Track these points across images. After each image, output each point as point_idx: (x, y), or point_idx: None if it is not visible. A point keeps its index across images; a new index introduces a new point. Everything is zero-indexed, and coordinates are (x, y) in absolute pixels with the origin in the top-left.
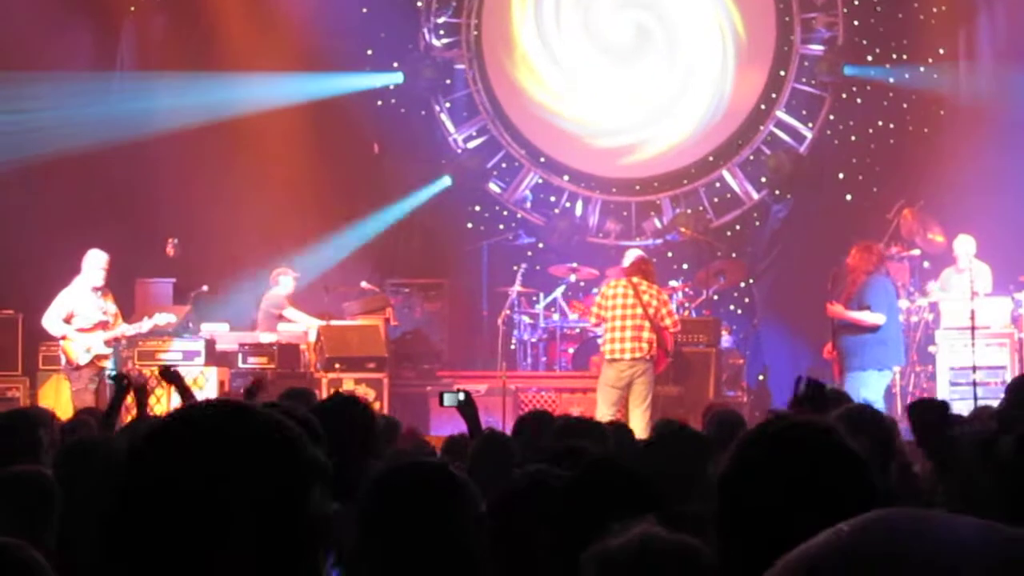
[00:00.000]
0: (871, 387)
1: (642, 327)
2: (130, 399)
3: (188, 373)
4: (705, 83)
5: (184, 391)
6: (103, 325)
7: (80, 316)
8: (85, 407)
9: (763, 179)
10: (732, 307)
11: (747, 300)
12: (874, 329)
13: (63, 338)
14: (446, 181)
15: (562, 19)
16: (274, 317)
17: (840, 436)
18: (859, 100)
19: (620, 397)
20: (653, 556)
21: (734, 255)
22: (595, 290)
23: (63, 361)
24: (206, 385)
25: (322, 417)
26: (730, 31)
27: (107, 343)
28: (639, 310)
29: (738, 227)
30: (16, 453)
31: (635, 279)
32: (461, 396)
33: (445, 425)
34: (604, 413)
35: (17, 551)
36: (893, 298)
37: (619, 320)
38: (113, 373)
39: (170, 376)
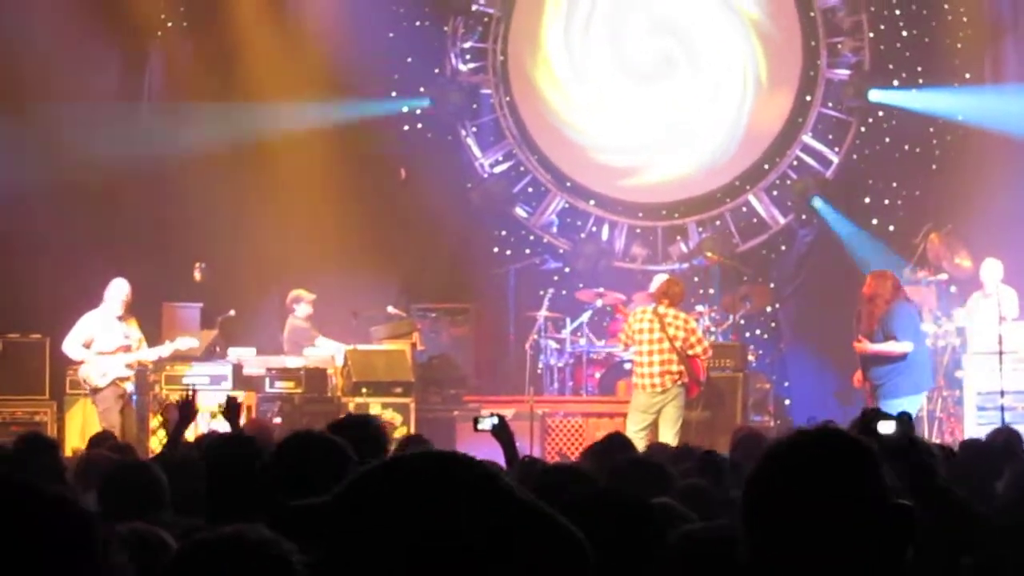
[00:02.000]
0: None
1: (670, 360)
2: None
3: (213, 398)
4: (727, 109)
5: (235, 422)
6: (125, 349)
7: (100, 341)
8: (102, 432)
9: (789, 204)
10: (758, 332)
11: (773, 325)
12: (903, 356)
13: (81, 362)
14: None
15: (589, 44)
16: (302, 347)
17: (850, 436)
18: (885, 125)
19: (651, 422)
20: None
21: (760, 280)
22: (619, 315)
23: (84, 385)
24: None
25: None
26: (752, 57)
27: (128, 366)
28: (666, 343)
29: (764, 252)
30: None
31: (661, 308)
32: (496, 420)
33: (472, 451)
34: (634, 437)
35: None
36: (917, 323)
37: (646, 354)
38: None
39: (230, 409)
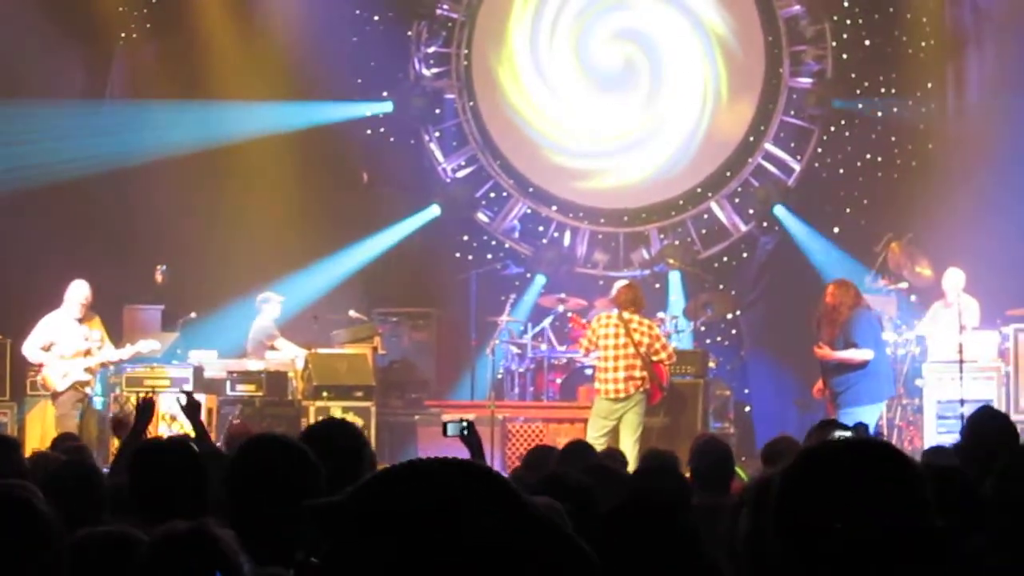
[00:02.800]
0: (865, 421)
1: (634, 366)
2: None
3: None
4: (689, 116)
5: (198, 423)
6: (85, 352)
7: (60, 343)
8: (65, 433)
9: (751, 211)
10: (719, 338)
11: (734, 332)
12: (863, 364)
13: (41, 365)
14: (435, 210)
15: (554, 50)
16: (264, 346)
17: (898, 449)
18: (847, 133)
19: (612, 428)
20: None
21: (721, 287)
22: (584, 320)
23: (42, 388)
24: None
25: (313, 443)
26: (715, 65)
27: (88, 370)
28: (630, 348)
29: (726, 259)
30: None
31: (626, 314)
32: (464, 424)
33: (434, 455)
34: (593, 442)
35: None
36: (878, 331)
37: (611, 359)
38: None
39: (190, 407)
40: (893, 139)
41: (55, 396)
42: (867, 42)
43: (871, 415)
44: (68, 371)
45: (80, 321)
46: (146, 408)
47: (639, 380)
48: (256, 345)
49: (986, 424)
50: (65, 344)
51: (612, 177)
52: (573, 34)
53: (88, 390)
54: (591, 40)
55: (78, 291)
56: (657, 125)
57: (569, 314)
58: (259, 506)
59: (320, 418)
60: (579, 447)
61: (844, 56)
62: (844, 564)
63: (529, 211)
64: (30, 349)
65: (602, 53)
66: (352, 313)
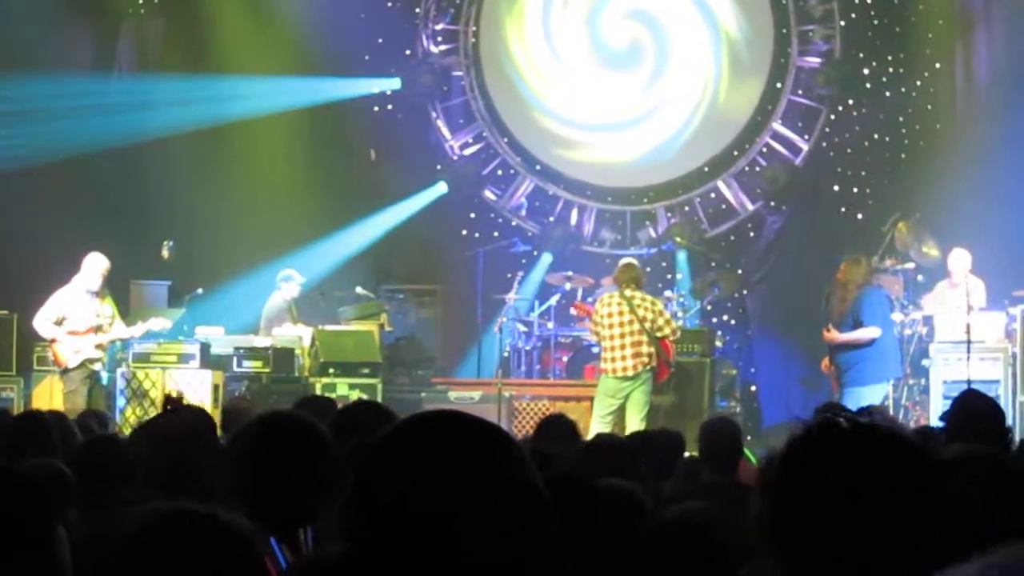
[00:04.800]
0: (870, 401)
1: (640, 342)
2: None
3: (182, 376)
4: (698, 95)
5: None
6: (97, 328)
7: (72, 319)
8: (89, 410)
9: (758, 190)
10: (726, 317)
11: (741, 311)
12: (870, 343)
13: (53, 340)
14: (442, 188)
15: (563, 28)
16: (273, 325)
17: (905, 432)
18: (855, 113)
19: (618, 408)
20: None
21: (728, 266)
22: (590, 299)
23: (53, 363)
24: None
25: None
26: (724, 44)
27: (98, 346)
28: (636, 325)
29: (733, 238)
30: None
31: (628, 292)
32: None
33: None
34: (599, 421)
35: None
36: (887, 309)
37: (617, 337)
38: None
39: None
40: (901, 119)
41: (64, 372)
42: (876, 22)
43: (876, 394)
44: (80, 347)
45: (95, 294)
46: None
47: (646, 357)
48: (267, 323)
49: (973, 406)
50: (77, 320)
51: (623, 157)
52: (584, 13)
53: (98, 366)
54: (602, 17)
55: (98, 263)
56: (661, 104)
57: (574, 300)
58: (268, 484)
59: (327, 395)
60: (556, 419)
61: (852, 35)
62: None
63: (536, 189)
64: (42, 323)
65: (611, 31)
66: (359, 290)
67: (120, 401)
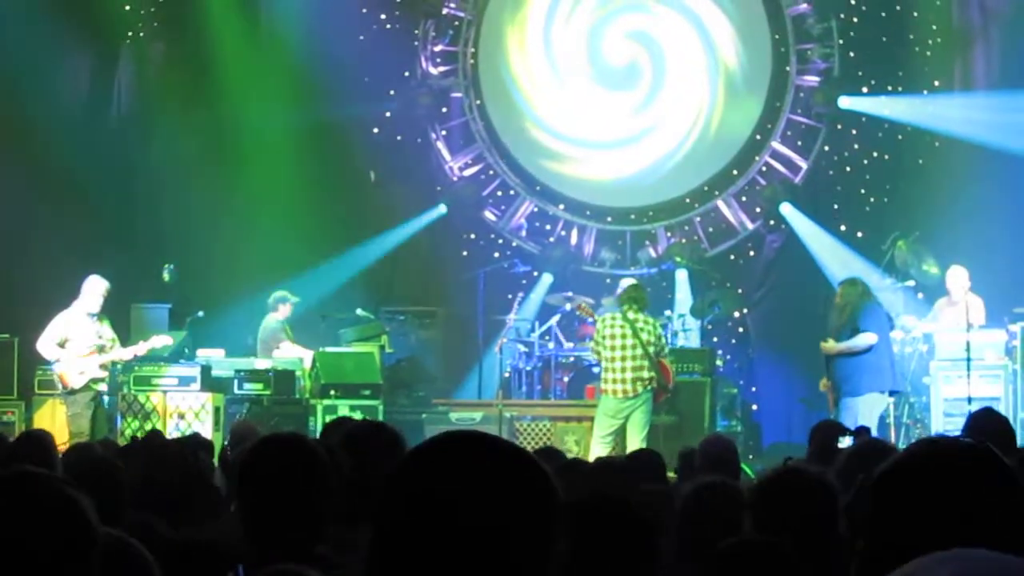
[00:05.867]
0: (866, 413)
1: (642, 366)
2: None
3: (183, 400)
4: (696, 114)
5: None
6: (99, 349)
7: (75, 341)
8: (103, 440)
9: (758, 209)
10: (727, 337)
11: (741, 330)
12: (867, 352)
13: (57, 362)
14: (441, 209)
15: (561, 49)
16: (270, 347)
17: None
18: (854, 131)
19: (619, 428)
20: None
21: (728, 285)
22: (591, 320)
23: (59, 386)
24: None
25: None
26: (723, 63)
27: (102, 366)
28: (639, 349)
29: (733, 257)
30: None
31: (631, 314)
32: None
33: None
34: (599, 442)
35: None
36: (884, 321)
37: (618, 359)
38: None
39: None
40: (900, 137)
41: (70, 394)
42: (874, 40)
43: (873, 407)
44: (84, 368)
45: (95, 319)
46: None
47: (647, 380)
48: (263, 345)
49: (987, 424)
50: (80, 341)
51: (622, 177)
52: (583, 34)
53: (102, 387)
54: (601, 39)
55: (97, 285)
56: (659, 123)
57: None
58: (269, 505)
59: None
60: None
61: (851, 54)
62: None
63: (536, 210)
64: (46, 346)
65: (611, 50)
66: (359, 311)
67: (121, 424)
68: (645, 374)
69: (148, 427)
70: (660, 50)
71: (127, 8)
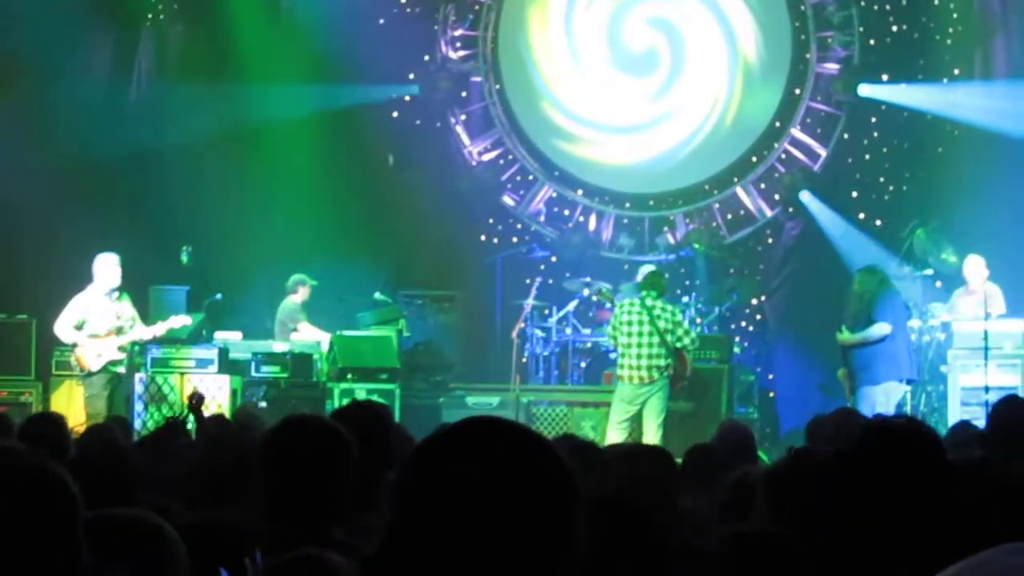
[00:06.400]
0: (883, 401)
1: (659, 354)
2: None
3: (200, 382)
4: (716, 101)
5: (199, 415)
6: (117, 330)
7: (93, 322)
8: (113, 417)
9: (776, 196)
10: (744, 323)
11: (759, 317)
12: (883, 340)
13: (75, 345)
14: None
15: (581, 34)
16: (288, 328)
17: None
18: (874, 119)
19: (635, 414)
20: None
21: (747, 272)
22: (608, 305)
23: (76, 368)
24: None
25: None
26: (742, 50)
27: (120, 348)
28: (655, 336)
29: (751, 244)
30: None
31: (648, 300)
32: None
33: None
34: (616, 428)
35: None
36: (901, 310)
37: (634, 345)
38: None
39: (193, 402)
40: (919, 125)
41: (87, 376)
42: (894, 28)
43: (891, 395)
44: (102, 351)
45: (113, 298)
46: (197, 404)
47: (663, 367)
48: (281, 325)
49: (1011, 412)
50: (98, 323)
51: (637, 156)
52: (604, 20)
53: (120, 369)
54: (622, 25)
55: (108, 261)
56: (685, 110)
57: (595, 295)
58: (292, 487)
59: (345, 401)
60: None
61: (871, 42)
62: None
63: (555, 195)
64: (63, 329)
65: (632, 36)
66: (377, 295)
67: (139, 406)
68: (662, 361)
69: (166, 410)
70: (680, 37)
71: None
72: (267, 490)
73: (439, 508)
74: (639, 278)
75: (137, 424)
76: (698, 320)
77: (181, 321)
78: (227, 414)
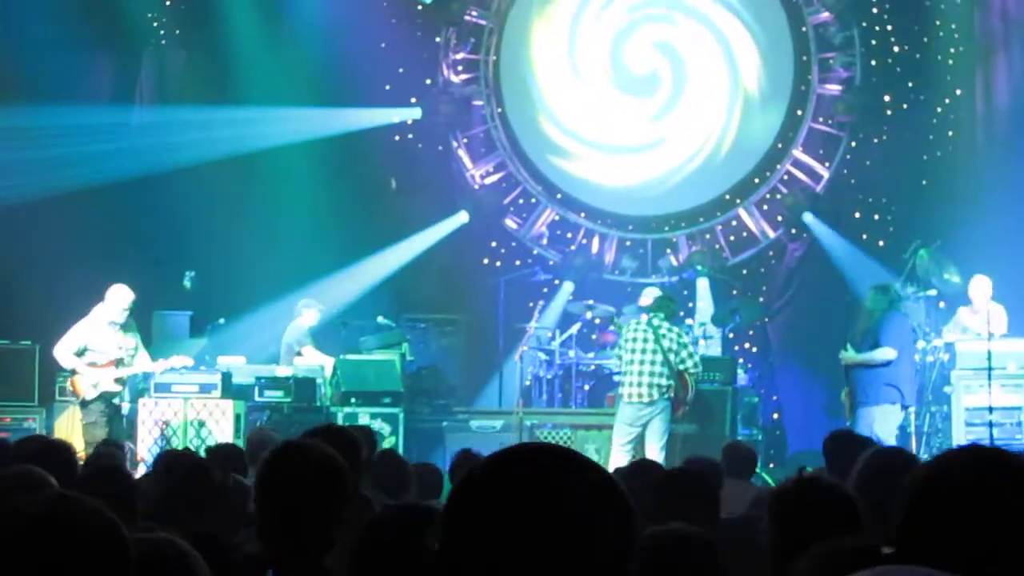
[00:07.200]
0: (882, 424)
1: (661, 374)
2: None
3: (203, 407)
4: (718, 123)
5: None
6: (118, 361)
7: (94, 351)
8: (109, 440)
9: (779, 218)
10: (748, 345)
11: (763, 338)
12: (885, 364)
13: (73, 371)
14: (463, 216)
15: (584, 56)
16: (293, 352)
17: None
18: (876, 140)
19: (637, 435)
20: None
21: (750, 294)
22: (611, 327)
23: (71, 393)
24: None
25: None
26: (744, 72)
27: (117, 380)
28: (659, 355)
29: (754, 265)
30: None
31: (656, 321)
32: None
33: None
34: (619, 450)
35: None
36: (908, 334)
37: (636, 364)
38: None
39: None
40: (922, 146)
41: (84, 403)
42: (896, 48)
43: (890, 418)
44: (98, 380)
45: (118, 326)
46: None
47: (665, 387)
48: (287, 349)
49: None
50: (99, 352)
51: (643, 185)
52: (606, 44)
53: (117, 400)
54: (623, 48)
55: (123, 296)
56: (687, 132)
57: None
58: (287, 514)
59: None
60: None
61: (873, 62)
62: None
63: (558, 218)
64: (63, 353)
65: (634, 58)
66: (380, 319)
67: (141, 431)
68: (664, 381)
69: (169, 433)
70: (681, 60)
71: (149, 14)
72: (264, 514)
73: (503, 541)
74: (641, 301)
75: (140, 450)
76: (701, 342)
77: (182, 361)
78: (230, 440)
